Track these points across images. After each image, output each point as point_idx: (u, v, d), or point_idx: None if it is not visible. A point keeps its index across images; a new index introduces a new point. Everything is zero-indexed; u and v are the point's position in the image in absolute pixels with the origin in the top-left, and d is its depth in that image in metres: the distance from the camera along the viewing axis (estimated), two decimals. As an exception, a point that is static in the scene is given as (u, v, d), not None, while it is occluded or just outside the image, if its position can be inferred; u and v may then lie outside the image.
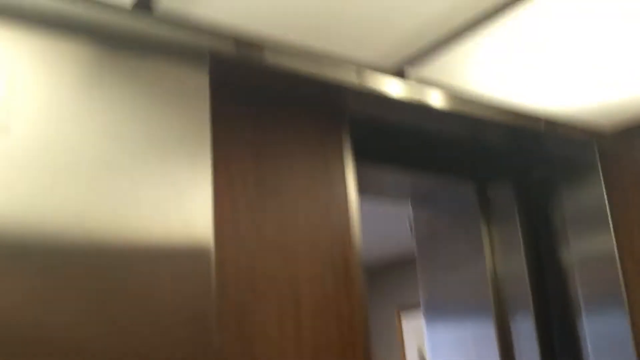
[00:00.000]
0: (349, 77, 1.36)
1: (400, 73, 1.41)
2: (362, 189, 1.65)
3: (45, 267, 0.94)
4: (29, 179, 0.96)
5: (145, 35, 1.13)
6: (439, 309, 2.16)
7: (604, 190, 1.87)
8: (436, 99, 1.51)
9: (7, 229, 0.92)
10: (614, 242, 1.84)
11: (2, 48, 0.99)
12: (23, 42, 1.01)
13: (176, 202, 1.10)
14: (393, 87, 1.43)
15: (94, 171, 1.02)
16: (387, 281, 5.54)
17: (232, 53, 1.22)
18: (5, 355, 0.88)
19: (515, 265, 2.04)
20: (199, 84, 1.19)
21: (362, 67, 1.37)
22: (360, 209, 1.52)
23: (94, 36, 1.09)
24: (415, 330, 5.16)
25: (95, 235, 1.00)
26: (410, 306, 5.16)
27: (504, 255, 2.07)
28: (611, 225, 1.85)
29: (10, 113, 0.97)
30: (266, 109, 1.42)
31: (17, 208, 0.94)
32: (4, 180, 0.94)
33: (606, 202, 1.86)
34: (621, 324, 1.80)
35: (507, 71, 1.43)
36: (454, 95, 1.52)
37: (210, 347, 1.07)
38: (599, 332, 1.85)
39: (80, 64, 1.06)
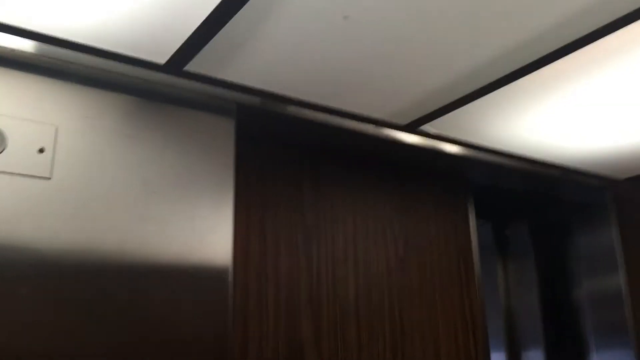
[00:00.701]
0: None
1: (415, 129, 1.48)
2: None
3: (72, 288, 1.04)
4: (66, 218, 1.07)
5: (176, 90, 1.23)
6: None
7: (616, 232, 1.91)
8: (455, 149, 1.60)
9: (46, 257, 1.03)
10: (624, 282, 1.88)
11: (51, 106, 1.10)
12: (68, 99, 1.12)
13: (199, 232, 1.19)
14: (412, 138, 1.51)
15: (125, 211, 1.12)
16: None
17: (257, 104, 1.31)
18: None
19: (529, 301, 2.09)
20: (226, 132, 1.28)
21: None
22: (375, 248, 1.64)
23: (130, 91, 1.19)
24: None
25: (126, 264, 1.10)
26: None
27: (518, 292, 2.12)
28: (622, 266, 1.89)
29: (54, 164, 1.07)
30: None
31: (54, 241, 1.04)
32: (44, 219, 1.05)
33: (617, 243, 1.90)
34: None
35: (522, 123, 1.48)
36: (472, 144, 1.59)
37: None
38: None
39: (116, 116, 1.16)
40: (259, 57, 1.15)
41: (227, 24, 1.04)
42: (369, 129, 1.46)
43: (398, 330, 1.59)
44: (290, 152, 1.56)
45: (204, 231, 1.20)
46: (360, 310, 1.54)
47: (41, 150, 1.07)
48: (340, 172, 1.64)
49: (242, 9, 1.00)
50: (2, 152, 1.03)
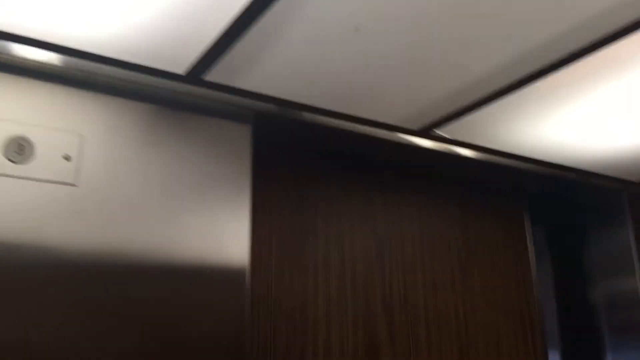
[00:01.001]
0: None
1: (427, 133, 1.50)
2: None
3: (95, 290, 1.09)
4: (90, 222, 1.11)
5: (195, 98, 1.28)
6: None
7: (632, 234, 1.92)
8: (474, 153, 1.63)
9: (71, 260, 1.08)
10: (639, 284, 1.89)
11: (76, 115, 1.15)
12: (92, 109, 1.17)
13: (217, 235, 1.23)
14: (424, 141, 1.54)
15: (147, 215, 1.17)
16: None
17: (273, 111, 1.35)
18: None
19: (545, 303, 2.10)
20: (243, 138, 1.32)
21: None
22: (390, 250, 1.68)
23: (151, 100, 1.24)
24: None
25: (147, 266, 1.14)
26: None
27: (533, 293, 2.13)
28: (637, 269, 1.90)
29: (79, 171, 1.12)
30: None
31: (79, 245, 1.09)
32: (70, 223, 1.10)
33: (633, 246, 1.91)
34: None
35: (537, 127, 1.50)
36: (490, 149, 1.62)
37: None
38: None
39: (138, 124, 1.21)
40: (274, 67, 1.19)
41: (244, 36, 1.08)
42: (386, 134, 1.49)
43: (464, 332, 1.73)
44: (307, 157, 1.61)
45: (222, 234, 1.24)
46: (429, 314, 1.69)
47: (67, 158, 1.12)
48: (366, 179, 1.70)
49: (258, 21, 1.04)
50: (30, 160, 1.08)
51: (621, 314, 1.94)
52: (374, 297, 1.61)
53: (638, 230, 1.92)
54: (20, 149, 1.08)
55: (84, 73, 1.16)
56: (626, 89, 1.32)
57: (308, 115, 1.37)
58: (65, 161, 1.11)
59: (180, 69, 1.19)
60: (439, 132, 1.51)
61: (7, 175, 1.06)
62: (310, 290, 1.52)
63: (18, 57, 1.11)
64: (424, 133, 1.51)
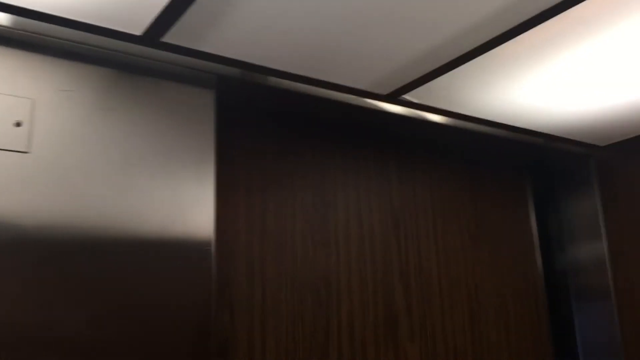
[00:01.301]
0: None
1: (395, 98, 1.48)
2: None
3: (52, 261, 1.05)
4: (45, 191, 1.07)
5: (153, 62, 1.23)
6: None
7: (598, 199, 1.94)
8: (437, 116, 1.60)
9: (25, 231, 1.03)
10: (606, 249, 1.91)
11: (27, 79, 1.09)
12: (44, 73, 1.11)
13: (181, 204, 1.20)
14: (394, 108, 1.52)
15: (105, 184, 1.13)
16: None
17: (237, 76, 1.31)
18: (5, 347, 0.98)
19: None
20: (205, 103, 1.28)
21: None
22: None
23: (107, 64, 1.18)
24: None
25: (106, 237, 1.10)
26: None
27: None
28: (603, 233, 1.92)
29: (31, 137, 1.07)
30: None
31: (34, 215, 1.05)
32: (23, 193, 1.05)
33: (600, 211, 1.92)
34: (610, 324, 1.88)
35: (504, 91, 1.48)
36: (454, 112, 1.60)
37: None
38: (589, 332, 1.94)
39: (95, 89, 1.15)
40: (237, 28, 1.14)
41: (204, -6, 1.03)
42: (352, 99, 1.46)
43: (474, 299, 1.83)
44: (274, 124, 1.57)
45: (185, 203, 1.20)
46: (442, 282, 1.77)
47: (18, 124, 1.06)
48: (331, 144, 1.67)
49: (219, -22, 0.99)
50: (-22, 126, 1.03)
51: (588, 278, 1.97)
52: (392, 267, 1.67)
53: (605, 195, 1.94)
54: (-33, 115, 1.02)
55: (34, 35, 1.10)
56: (594, 52, 1.31)
57: (273, 80, 1.33)
58: (17, 127, 1.06)
59: (137, 30, 1.13)
60: (407, 97, 1.48)
61: (-47, 143, 1.01)
62: (333, 262, 1.57)
63: (-38, 17, 1.04)
64: (392, 98, 1.48)
